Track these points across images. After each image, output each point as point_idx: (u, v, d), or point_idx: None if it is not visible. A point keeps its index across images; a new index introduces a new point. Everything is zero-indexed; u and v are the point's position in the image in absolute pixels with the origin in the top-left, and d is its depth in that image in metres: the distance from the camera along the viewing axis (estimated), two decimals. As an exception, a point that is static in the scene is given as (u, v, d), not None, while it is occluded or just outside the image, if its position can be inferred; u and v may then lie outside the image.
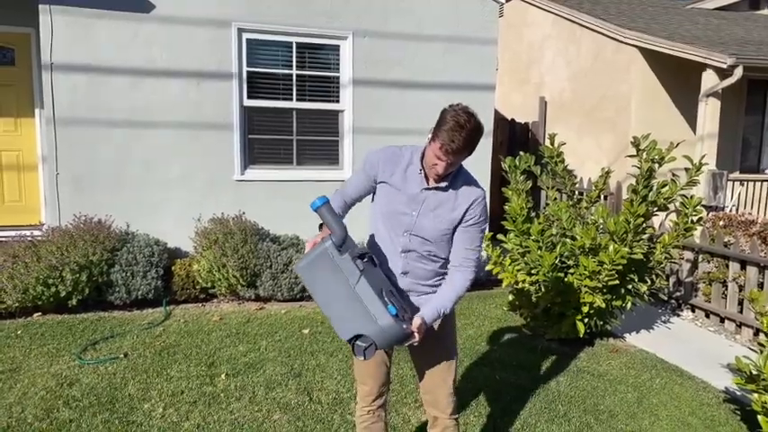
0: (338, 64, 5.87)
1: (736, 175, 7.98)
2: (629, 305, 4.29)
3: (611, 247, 3.78)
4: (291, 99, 5.77)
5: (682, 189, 4.01)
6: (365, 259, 2.05)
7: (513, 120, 9.32)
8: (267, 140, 5.80)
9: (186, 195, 5.50)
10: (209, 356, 4.05)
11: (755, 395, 3.10)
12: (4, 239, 5.00)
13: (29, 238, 4.88)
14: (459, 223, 2.25)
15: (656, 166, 3.88)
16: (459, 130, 2.06)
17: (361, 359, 2.01)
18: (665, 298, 5.68)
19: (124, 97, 5.25)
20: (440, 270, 2.30)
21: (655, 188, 3.89)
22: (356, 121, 5.91)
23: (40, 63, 5.12)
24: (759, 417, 3.05)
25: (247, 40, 5.55)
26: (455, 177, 2.26)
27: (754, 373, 3.13)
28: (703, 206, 5.16)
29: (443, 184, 2.22)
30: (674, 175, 4.41)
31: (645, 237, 3.93)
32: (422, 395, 2.49)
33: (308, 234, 5.20)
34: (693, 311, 5.50)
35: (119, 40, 5.19)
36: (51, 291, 4.58)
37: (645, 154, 4.03)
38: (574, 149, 8.01)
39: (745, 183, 7.88)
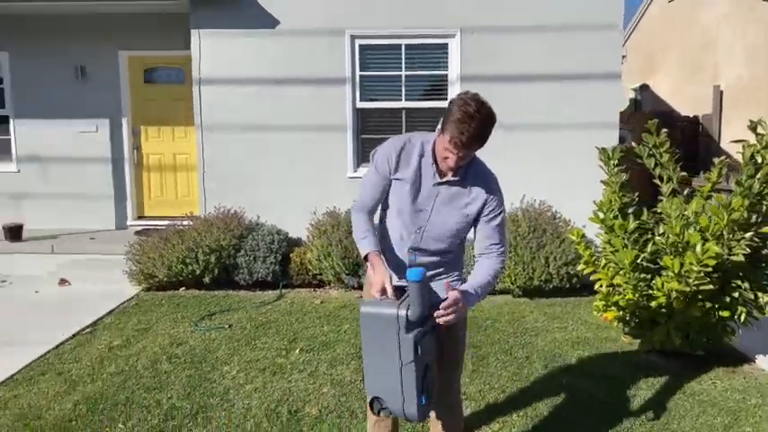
0: (446, 62, 5.95)
1: None
2: (742, 317, 3.64)
3: (698, 247, 3.27)
4: (401, 99, 6.01)
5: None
6: (426, 330, 2.00)
7: (672, 112, 8.33)
8: (378, 140, 6.08)
9: (305, 191, 6.09)
10: (295, 333, 4.48)
11: None
12: (168, 227, 6.11)
13: (179, 226, 5.89)
14: (478, 217, 2.19)
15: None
16: (469, 121, 1.94)
17: (373, 414, 2.07)
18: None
19: (254, 104, 6.03)
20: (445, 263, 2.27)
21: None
22: (464, 117, 5.92)
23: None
24: None
25: (360, 45, 5.95)
26: (468, 168, 2.16)
27: None
28: None
29: (456, 177, 2.14)
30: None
31: (747, 235, 3.30)
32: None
33: None
34: None
35: (250, 54, 5.98)
36: (189, 269, 5.47)
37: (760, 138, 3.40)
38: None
39: None
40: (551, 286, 5.28)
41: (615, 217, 4.03)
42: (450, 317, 1.96)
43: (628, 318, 4.02)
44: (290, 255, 5.80)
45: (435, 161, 2.14)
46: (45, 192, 7.08)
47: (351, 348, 4.16)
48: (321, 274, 5.66)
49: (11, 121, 7.11)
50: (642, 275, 3.67)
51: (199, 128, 6.11)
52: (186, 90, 6.99)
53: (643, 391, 3.54)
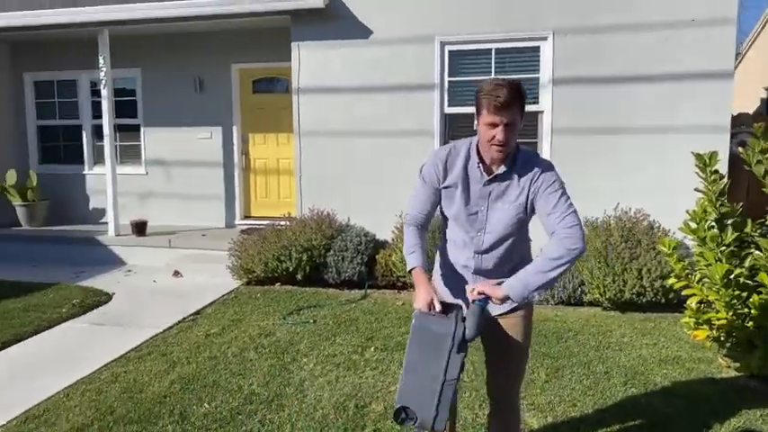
0: (537, 65, 5.82)
1: None
2: None
3: (797, 263, 2.94)
4: (490, 104, 5.97)
5: None
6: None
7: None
8: (466, 144, 6.13)
9: (392, 194, 6.24)
10: (373, 332, 4.63)
11: None
12: (267, 226, 6.57)
13: (277, 225, 6.31)
14: (531, 201, 2.13)
15: None
16: (498, 87, 2.01)
17: (396, 424, 2.13)
18: None
19: (346, 111, 6.30)
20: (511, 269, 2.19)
21: None
22: (555, 121, 5.75)
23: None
24: None
25: (449, 51, 6.00)
26: (514, 159, 2.14)
27: None
28: None
29: (503, 170, 2.12)
30: None
31: None
32: (487, 387, 2.45)
33: None
34: None
35: (344, 63, 6.26)
36: (283, 266, 5.85)
37: None
38: None
39: None
40: (644, 300, 4.97)
41: (710, 228, 3.75)
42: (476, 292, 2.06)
43: (723, 338, 3.71)
44: (376, 256, 5.98)
45: (481, 160, 2.15)
46: (167, 192, 7.91)
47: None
48: (405, 277, 5.78)
49: (141, 129, 8.03)
50: (737, 292, 3.37)
51: (297, 134, 6.51)
52: (289, 99, 7.44)
53: (733, 418, 3.25)
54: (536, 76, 5.84)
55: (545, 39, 5.73)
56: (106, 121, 7.06)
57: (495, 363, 2.37)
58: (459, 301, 2.25)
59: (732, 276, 3.38)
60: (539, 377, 3.78)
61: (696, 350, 4.23)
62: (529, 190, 2.12)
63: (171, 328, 4.83)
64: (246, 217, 7.87)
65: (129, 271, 6.77)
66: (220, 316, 5.11)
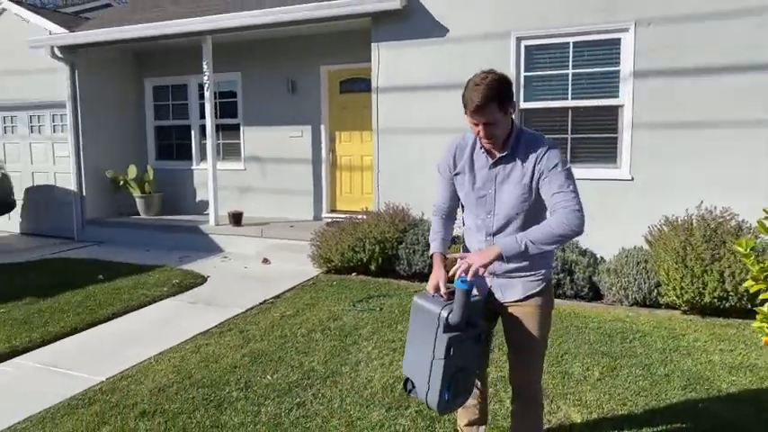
0: (617, 57, 5.61)
1: None
2: None
3: None
4: (567, 98, 5.85)
5: None
6: (465, 336, 2.16)
7: None
8: (542, 140, 6.05)
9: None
10: (434, 322, 4.77)
11: None
12: (347, 219, 6.92)
13: (356, 219, 6.62)
14: (536, 181, 2.20)
15: None
16: (476, 87, 2.12)
17: (405, 392, 2.34)
18: None
19: (422, 109, 6.46)
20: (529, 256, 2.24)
21: None
22: (637, 116, 5.52)
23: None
24: None
25: (525, 46, 5.95)
26: (516, 142, 2.24)
27: None
28: None
29: (506, 153, 2.23)
30: None
31: None
32: (509, 376, 2.52)
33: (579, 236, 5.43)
34: None
35: (420, 61, 6.42)
36: (357, 257, 6.15)
37: None
38: None
39: None
40: (728, 305, 4.66)
41: (789, 228, 3.48)
42: (463, 264, 2.11)
43: (799, 346, 3.43)
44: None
45: (484, 147, 2.28)
46: (262, 187, 8.54)
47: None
48: (475, 271, 5.84)
49: (241, 128, 8.73)
50: (810, 296, 3.11)
51: (375, 131, 6.78)
52: (371, 98, 7.77)
53: (801, 431, 3.03)
54: (616, 68, 5.63)
55: (626, 30, 5.50)
56: (208, 121, 7.79)
57: (511, 352, 2.44)
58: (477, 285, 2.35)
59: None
60: (591, 375, 3.72)
61: (778, 359, 3.93)
62: (533, 171, 2.21)
63: (252, 308, 5.30)
64: (333, 211, 8.29)
65: (225, 257, 7.43)
66: (297, 300, 5.51)
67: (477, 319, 2.21)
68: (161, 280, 6.23)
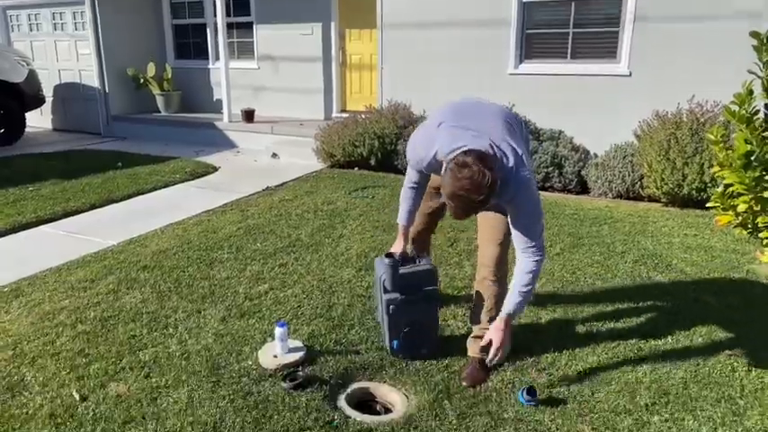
0: (623, -55, 5.40)
1: None
2: None
3: None
4: (570, -11, 5.72)
5: None
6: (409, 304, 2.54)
7: None
8: (542, 35, 5.99)
9: (464, 86, 6.38)
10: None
11: None
12: (351, 116, 7.11)
13: (360, 116, 6.81)
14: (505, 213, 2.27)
15: None
16: (456, 200, 1.99)
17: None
18: None
19: (424, 3, 6.40)
20: None
21: None
22: (640, 7, 5.39)
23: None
24: None
25: (531, -67, 5.76)
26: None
27: None
28: None
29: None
30: None
31: None
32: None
33: (572, 131, 5.51)
34: None
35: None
36: (357, 151, 6.40)
37: None
38: None
39: None
40: (705, 196, 4.78)
41: (754, 112, 3.55)
42: (500, 356, 2.33)
43: (750, 226, 3.60)
44: (446, 146, 6.27)
45: None
46: (275, 85, 8.71)
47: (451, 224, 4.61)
48: (468, 165, 6.04)
49: (254, 26, 8.78)
50: (757, 173, 3.24)
51: (379, 28, 6.79)
52: (380, -7, 7.68)
53: (730, 296, 3.27)
54: (622, -44, 5.45)
55: None
56: (219, 19, 7.88)
57: (480, 231, 2.59)
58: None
59: (753, 158, 3.24)
60: (552, 250, 4.00)
61: (739, 244, 4.11)
62: (501, 206, 2.30)
63: (255, 194, 5.69)
64: (343, 110, 8.45)
65: (238, 152, 7.79)
66: (297, 188, 5.86)
67: (424, 284, 2.59)
68: (175, 169, 6.65)
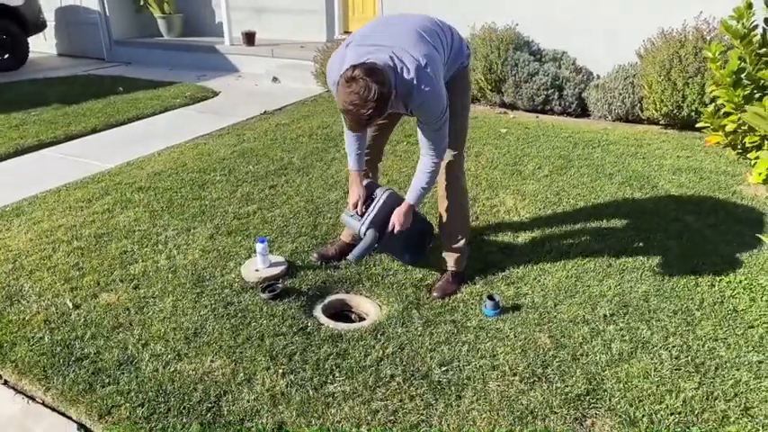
0: None
1: None
2: None
3: None
4: None
5: None
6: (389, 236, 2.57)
7: None
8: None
9: (467, 4, 6.15)
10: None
11: None
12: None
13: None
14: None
15: None
16: (345, 115, 2.07)
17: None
18: None
19: None
20: None
21: None
22: None
23: None
24: None
25: None
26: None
27: None
28: None
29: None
30: None
31: None
32: None
33: (576, 51, 5.38)
34: None
35: None
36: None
37: None
38: None
39: None
40: (704, 118, 4.69)
41: (752, 28, 3.42)
42: (399, 227, 2.50)
43: (738, 146, 3.57)
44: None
45: None
46: (276, 7, 8.48)
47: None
48: (468, 88, 5.94)
49: (253, -57, 8.45)
50: (747, 92, 3.18)
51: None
52: None
53: (705, 228, 3.29)
54: None
55: None
56: (216, -66, 7.59)
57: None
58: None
59: (744, 75, 3.16)
60: (540, 172, 4.02)
61: (732, 166, 4.07)
62: (410, 112, 2.32)
63: (252, 118, 5.70)
64: (346, 32, 8.24)
65: (240, 76, 7.72)
66: (295, 112, 5.86)
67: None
68: (176, 94, 6.65)
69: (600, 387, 2.08)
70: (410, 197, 2.49)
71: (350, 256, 2.56)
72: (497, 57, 5.55)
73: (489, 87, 5.70)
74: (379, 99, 1.98)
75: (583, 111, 5.52)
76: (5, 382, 2.22)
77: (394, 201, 2.59)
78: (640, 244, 3.04)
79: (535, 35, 5.87)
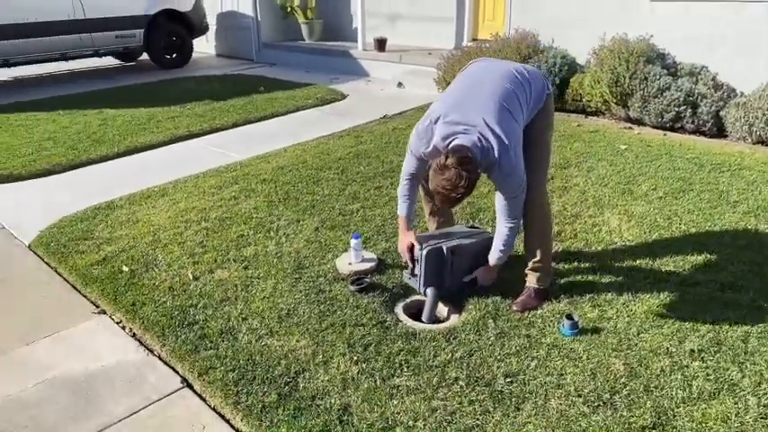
0: None
1: None
2: None
3: None
4: None
5: None
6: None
7: None
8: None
9: (599, 15, 5.93)
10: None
11: None
12: (478, 45, 7.00)
13: (484, 45, 6.69)
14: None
15: None
16: (437, 197, 2.34)
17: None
18: None
19: None
20: None
21: None
22: None
23: None
24: None
25: None
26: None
27: None
28: None
29: None
30: None
31: None
32: None
33: (717, 66, 5.24)
34: None
35: None
36: (478, 82, 6.36)
37: None
38: None
39: None
40: None
41: None
42: (483, 283, 2.75)
43: None
44: (570, 79, 5.98)
45: None
46: (409, 14, 8.77)
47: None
48: (591, 101, 5.74)
49: (393, -48, 8.80)
50: None
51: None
52: None
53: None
54: None
55: None
56: (359, -55, 8.04)
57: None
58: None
59: None
60: (654, 193, 3.82)
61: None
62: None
63: (373, 121, 6.01)
64: (474, 39, 8.30)
65: (369, 81, 8.12)
66: (413, 118, 6.05)
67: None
68: (309, 95, 7.19)
69: (669, 423, 2.00)
70: (492, 258, 2.68)
71: (423, 319, 2.69)
72: (626, 69, 5.30)
73: (614, 101, 5.46)
74: (468, 186, 2.23)
75: (719, 131, 5.08)
76: (134, 335, 2.66)
77: (434, 256, 2.68)
78: (752, 281, 2.81)
79: (671, 48, 5.51)
